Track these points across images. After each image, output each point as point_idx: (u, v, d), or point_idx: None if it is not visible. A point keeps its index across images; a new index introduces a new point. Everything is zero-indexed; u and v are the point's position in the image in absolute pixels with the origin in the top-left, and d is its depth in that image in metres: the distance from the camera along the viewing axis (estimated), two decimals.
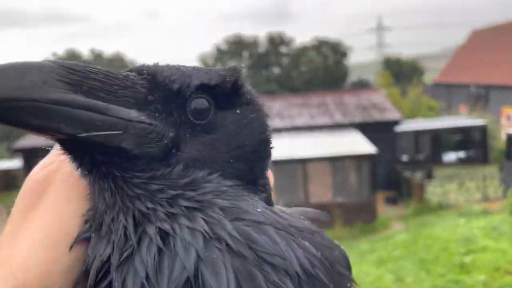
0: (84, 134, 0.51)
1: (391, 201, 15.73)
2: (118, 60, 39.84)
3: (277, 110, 18.49)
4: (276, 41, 39.19)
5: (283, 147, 13.93)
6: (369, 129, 16.51)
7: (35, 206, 0.62)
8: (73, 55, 38.71)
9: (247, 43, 39.17)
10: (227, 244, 0.52)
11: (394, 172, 16.58)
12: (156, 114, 0.57)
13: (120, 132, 0.53)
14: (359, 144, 14.70)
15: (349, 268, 0.67)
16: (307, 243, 0.56)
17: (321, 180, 13.91)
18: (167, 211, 0.55)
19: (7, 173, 20.73)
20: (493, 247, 9.56)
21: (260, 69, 38.50)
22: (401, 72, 35.90)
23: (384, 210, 14.72)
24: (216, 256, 0.52)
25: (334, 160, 13.98)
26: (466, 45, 34.81)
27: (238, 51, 38.82)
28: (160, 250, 0.53)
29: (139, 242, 0.54)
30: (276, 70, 39.25)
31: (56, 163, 0.64)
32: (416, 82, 29.13)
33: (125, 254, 0.54)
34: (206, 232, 0.53)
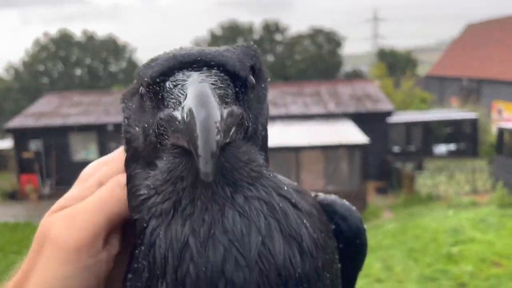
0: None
1: (382, 191, 15.86)
2: (110, 42, 39.41)
3: (271, 98, 18.46)
4: (271, 29, 39.00)
5: (276, 135, 13.95)
6: (362, 119, 16.56)
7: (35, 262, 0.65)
8: (65, 35, 38.22)
9: (242, 29, 38.93)
10: (275, 215, 0.63)
11: (385, 162, 16.68)
12: (238, 102, 0.63)
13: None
14: (351, 134, 14.77)
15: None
16: (305, 220, 0.66)
17: (314, 169, 13.98)
18: (238, 183, 0.62)
19: None
20: (481, 238, 9.70)
21: None
22: (395, 64, 35.93)
23: (374, 199, 14.85)
24: (272, 224, 0.62)
25: (326, 149, 14.03)
26: (461, 38, 34.90)
27: (233, 37, 38.59)
28: (240, 216, 0.60)
29: (222, 213, 0.60)
30: (270, 58, 39.11)
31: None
32: (410, 74, 29.19)
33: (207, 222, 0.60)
34: (267, 201, 0.63)
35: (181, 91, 0.58)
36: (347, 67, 42.81)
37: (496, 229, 10.32)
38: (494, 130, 18.66)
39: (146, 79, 0.63)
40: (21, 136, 17.21)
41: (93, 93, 21.57)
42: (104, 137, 17.47)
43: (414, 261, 9.03)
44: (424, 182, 15.31)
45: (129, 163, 0.69)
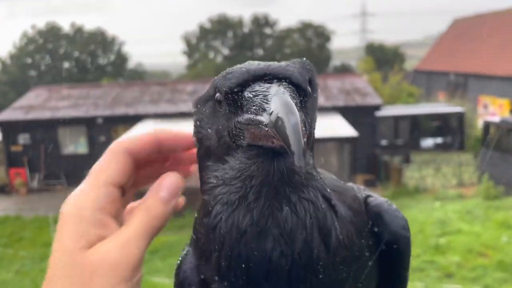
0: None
1: (370, 184, 15.98)
2: (98, 35, 39.07)
3: None
4: (261, 22, 38.93)
5: None
6: (351, 113, 16.67)
7: None
8: (52, 28, 37.80)
9: (232, 23, 38.79)
10: (318, 215, 0.74)
11: (374, 156, 16.83)
12: (301, 110, 0.72)
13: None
14: (341, 127, 14.86)
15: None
16: (336, 223, 0.77)
17: None
18: (296, 184, 0.73)
19: None
20: (467, 230, 9.83)
21: (243, 50, 38.25)
22: (383, 58, 36.10)
23: None
24: (314, 223, 0.74)
25: (316, 142, 14.09)
26: (448, 33, 35.13)
27: (223, 31, 38.47)
28: (292, 213, 0.72)
29: (279, 209, 0.72)
30: (259, 52, 39.06)
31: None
32: (398, 68, 29.39)
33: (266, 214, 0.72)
34: (314, 202, 0.74)
35: (264, 100, 0.68)
36: (335, 61, 42.91)
37: (482, 220, 10.47)
38: (480, 124, 18.89)
39: (224, 89, 0.74)
40: (10, 129, 17.06)
41: (82, 86, 21.42)
42: (93, 130, 17.39)
43: None
44: (411, 175, 15.49)
45: (202, 158, 0.81)
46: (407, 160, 16.82)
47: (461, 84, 26.97)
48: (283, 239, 0.72)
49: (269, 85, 0.70)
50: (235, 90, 0.72)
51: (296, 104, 0.68)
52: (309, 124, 0.74)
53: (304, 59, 0.82)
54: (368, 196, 0.91)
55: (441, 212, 11.26)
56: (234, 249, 0.72)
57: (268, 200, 0.72)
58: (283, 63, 0.76)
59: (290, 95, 0.68)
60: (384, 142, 18.51)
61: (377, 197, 0.91)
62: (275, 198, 0.72)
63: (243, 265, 0.72)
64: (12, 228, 12.35)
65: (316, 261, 0.74)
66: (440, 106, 21.38)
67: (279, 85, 0.70)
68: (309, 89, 0.75)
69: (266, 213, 0.72)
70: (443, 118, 19.86)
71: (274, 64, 0.74)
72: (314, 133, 0.80)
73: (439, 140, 19.59)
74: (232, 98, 0.73)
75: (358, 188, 0.94)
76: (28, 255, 10.35)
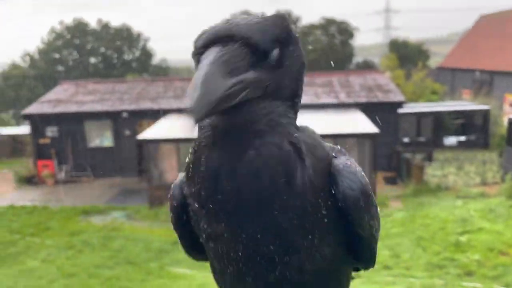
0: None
1: (391, 181, 15.91)
2: (124, 31, 39.56)
3: None
4: None
5: None
6: (372, 109, 16.57)
7: None
8: (80, 24, 38.44)
9: None
10: (282, 156, 0.86)
11: (395, 153, 16.72)
12: (258, 68, 0.83)
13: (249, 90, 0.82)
14: (362, 124, 14.80)
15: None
16: (298, 168, 0.87)
17: None
18: (258, 131, 0.85)
19: (15, 139, 20.97)
20: (489, 228, 9.71)
21: None
22: (407, 55, 35.63)
23: (383, 189, 14.84)
24: (276, 163, 0.85)
25: (337, 138, 14.05)
26: (473, 30, 34.49)
27: None
28: (257, 155, 0.85)
29: (245, 152, 0.85)
30: None
31: None
32: (421, 65, 29.02)
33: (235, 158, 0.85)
34: (279, 145, 0.86)
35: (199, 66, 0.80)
36: (358, 58, 42.54)
37: (504, 219, 10.33)
38: (505, 122, 18.59)
39: (193, 50, 0.87)
40: (38, 122, 17.46)
41: (108, 81, 21.80)
42: (118, 124, 17.70)
43: (422, 249, 9.07)
44: (433, 173, 15.33)
45: None
46: (429, 158, 16.63)
47: (487, 81, 26.49)
48: (250, 175, 0.84)
49: (215, 48, 0.81)
50: (200, 51, 0.84)
51: (236, 68, 0.80)
52: (276, 78, 0.86)
53: (282, 12, 0.92)
54: (335, 157, 0.98)
55: (463, 210, 11.15)
56: (212, 183, 0.85)
57: (235, 146, 0.84)
58: (253, 19, 0.85)
59: (224, 61, 0.79)
60: (406, 139, 18.37)
61: (340, 158, 0.99)
62: (239, 143, 0.84)
63: (219, 197, 0.86)
64: (39, 218, 12.64)
65: (275, 198, 0.85)
66: (464, 103, 21.10)
67: (221, 48, 0.80)
68: (273, 45, 0.85)
69: (235, 155, 0.84)
70: (467, 115, 19.60)
71: (238, 25, 0.83)
72: (288, 83, 0.91)
73: (462, 138, 19.33)
74: (197, 59, 0.85)
75: (332, 148, 1.03)
76: (54, 244, 10.61)
